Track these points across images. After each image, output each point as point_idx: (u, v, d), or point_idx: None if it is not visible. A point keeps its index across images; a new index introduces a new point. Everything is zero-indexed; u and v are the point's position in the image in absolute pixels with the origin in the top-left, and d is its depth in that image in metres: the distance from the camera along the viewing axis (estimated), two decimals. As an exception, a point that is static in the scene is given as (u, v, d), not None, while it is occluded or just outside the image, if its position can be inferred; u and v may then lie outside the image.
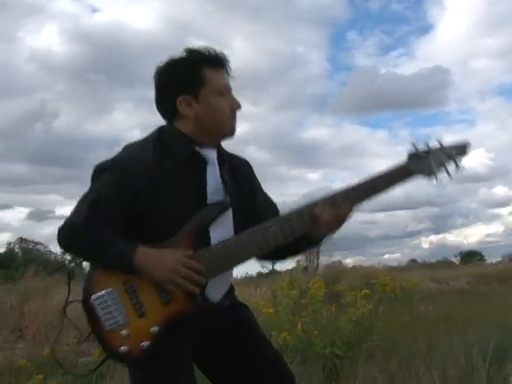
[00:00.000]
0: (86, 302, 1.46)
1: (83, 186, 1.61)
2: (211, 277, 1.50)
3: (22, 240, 27.83)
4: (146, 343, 1.44)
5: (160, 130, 1.63)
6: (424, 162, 1.52)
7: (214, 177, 1.58)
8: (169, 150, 1.56)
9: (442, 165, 1.52)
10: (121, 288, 1.45)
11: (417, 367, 3.07)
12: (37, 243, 28.05)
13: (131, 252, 1.44)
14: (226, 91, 1.61)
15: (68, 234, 1.51)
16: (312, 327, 3.92)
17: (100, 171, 1.54)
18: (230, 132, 1.63)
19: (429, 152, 1.52)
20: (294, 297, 4.62)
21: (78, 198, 1.53)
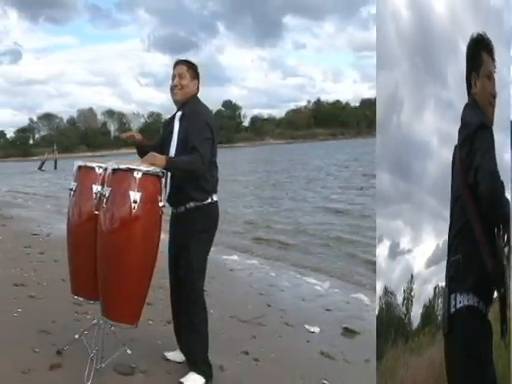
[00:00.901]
0: None
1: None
2: None
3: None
4: None
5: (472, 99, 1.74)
6: None
7: None
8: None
9: None
10: None
11: None
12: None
13: None
14: (491, 76, 1.70)
15: (497, 180, 1.52)
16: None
17: (485, 128, 1.61)
18: (491, 121, 1.69)
19: None
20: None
21: (480, 146, 1.57)
